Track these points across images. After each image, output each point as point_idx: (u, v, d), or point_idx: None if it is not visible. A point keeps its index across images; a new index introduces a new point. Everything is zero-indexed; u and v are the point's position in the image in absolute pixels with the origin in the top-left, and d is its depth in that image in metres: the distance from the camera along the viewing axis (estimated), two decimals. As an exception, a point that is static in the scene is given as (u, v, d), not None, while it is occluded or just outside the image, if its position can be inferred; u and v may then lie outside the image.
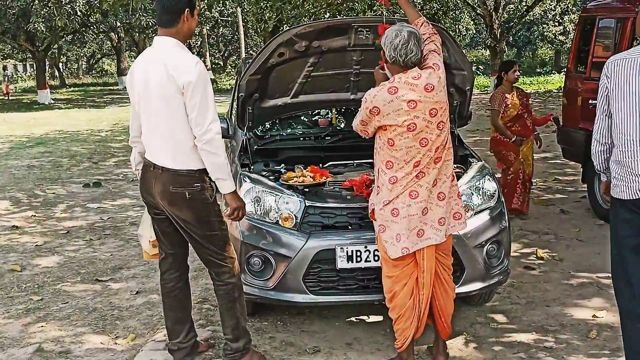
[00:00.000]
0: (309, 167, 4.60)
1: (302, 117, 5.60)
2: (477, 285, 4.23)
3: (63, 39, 30.81)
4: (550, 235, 6.43)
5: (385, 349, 4.09)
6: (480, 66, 32.87)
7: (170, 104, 3.35)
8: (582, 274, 5.19)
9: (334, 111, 5.63)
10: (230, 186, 3.47)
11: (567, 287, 5.02)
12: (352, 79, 4.89)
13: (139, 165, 3.73)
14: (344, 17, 15.79)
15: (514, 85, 6.88)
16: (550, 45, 39.43)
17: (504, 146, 6.89)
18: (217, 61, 45.70)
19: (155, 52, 3.44)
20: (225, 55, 45.41)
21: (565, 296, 4.88)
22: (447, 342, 3.98)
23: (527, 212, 7.06)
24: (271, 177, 4.52)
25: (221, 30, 41.18)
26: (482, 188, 4.36)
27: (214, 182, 3.48)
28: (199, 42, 37.32)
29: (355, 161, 4.91)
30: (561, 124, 7.46)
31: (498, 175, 7.22)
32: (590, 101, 6.62)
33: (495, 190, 4.41)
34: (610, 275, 5.14)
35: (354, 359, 4.01)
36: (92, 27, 30.10)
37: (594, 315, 4.50)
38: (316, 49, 4.54)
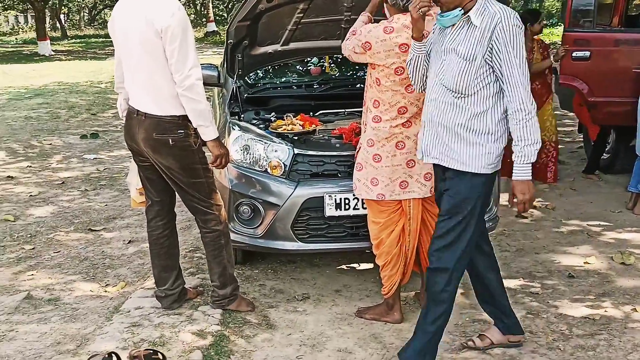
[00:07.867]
0: (298, 116, 4.56)
1: (294, 66, 5.52)
2: (466, 233, 4.22)
3: (63, -10, 30.41)
4: (544, 185, 6.40)
5: (374, 296, 4.12)
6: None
7: (149, 49, 3.28)
8: (573, 222, 5.18)
9: (327, 59, 5.56)
10: (212, 133, 3.42)
11: (557, 235, 5.03)
12: (343, 25, 4.79)
13: (125, 112, 3.68)
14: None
15: (534, 37, 6.27)
16: (557, -3, 38.77)
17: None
18: (221, 13, 45.10)
19: None
20: (230, 7, 44.74)
21: (555, 244, 4.90)
22: (434, 289, 4.00)
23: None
24: (261, 126, 4.49)
25: (225, -19, 40.59)
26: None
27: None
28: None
29: (346, 110, 4.86)
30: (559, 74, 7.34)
31: None
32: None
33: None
34: (600, 223, 5.18)
35: (342, 305, 4.04)
36: (92, -23, 29.64)
37: (585, 262, 4.51)
38: None
